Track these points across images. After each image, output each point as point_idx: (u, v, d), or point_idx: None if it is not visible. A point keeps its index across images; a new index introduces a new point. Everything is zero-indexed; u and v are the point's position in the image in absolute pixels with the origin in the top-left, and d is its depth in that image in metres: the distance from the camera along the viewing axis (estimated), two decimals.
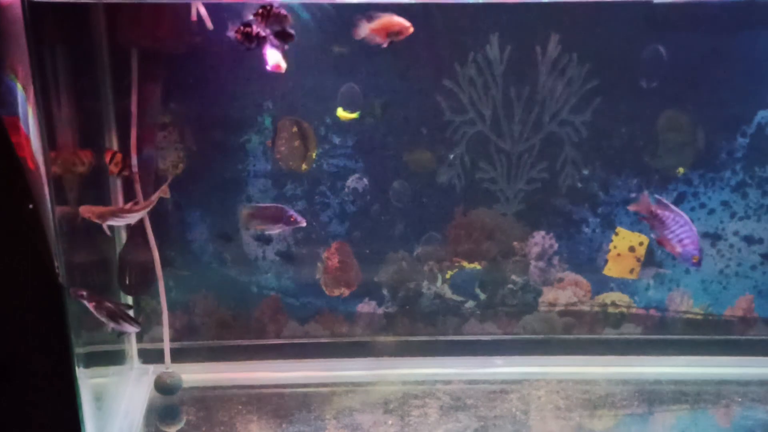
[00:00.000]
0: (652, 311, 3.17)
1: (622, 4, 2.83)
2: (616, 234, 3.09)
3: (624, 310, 3.18)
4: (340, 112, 2.81)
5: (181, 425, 2.81)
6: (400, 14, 2.79)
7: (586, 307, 3.18)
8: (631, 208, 2.77)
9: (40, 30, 2.02)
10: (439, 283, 3.16)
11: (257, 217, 2.70)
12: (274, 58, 2.41)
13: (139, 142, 2.75)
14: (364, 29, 2.37)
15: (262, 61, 2.84)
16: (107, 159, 2.63)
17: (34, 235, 1.85)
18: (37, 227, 1.84)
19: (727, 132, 2.98)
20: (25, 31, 1.88)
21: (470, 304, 3.18)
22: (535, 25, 2.84)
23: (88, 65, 2.65)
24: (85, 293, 2.32)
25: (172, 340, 2.98)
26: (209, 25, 2.61)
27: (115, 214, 2.60)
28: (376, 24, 2.37)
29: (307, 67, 2.81)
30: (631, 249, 3.10)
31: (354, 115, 2.80)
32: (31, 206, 1.82)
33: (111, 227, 2.77)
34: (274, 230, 2.68)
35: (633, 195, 3.04)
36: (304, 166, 3.01)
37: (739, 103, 2.95)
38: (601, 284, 3.16)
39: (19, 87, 1.84)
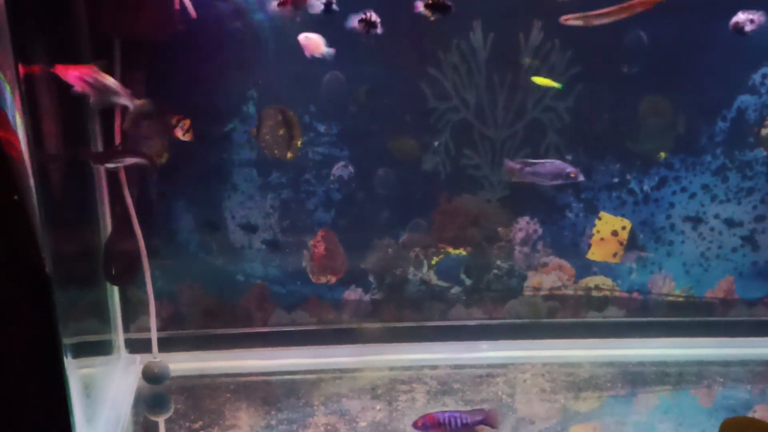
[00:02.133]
0: (635, 294, 3.21)
1: None
2: (599, 218, 3.12)
3: (607, 293, 3.21)
4: (541, 80, 2.78)
5: (169, 414, 2.81)
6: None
7: (570, 291, 3.21)
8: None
9: (23, 18, 2.00)
10: (424, 269, 3.18)
11: (530, 173, 2.55)
12: (314, 41, 2.59)
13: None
14: None
15: (245, 48, 2.85)
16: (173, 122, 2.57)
17: (20, 226, 1.84)
18: (22, 218, 1.83)
19: (707, 116, 3.01)
20: (7, 19, 1.87)
21: (456, 289, 3.20)
22: (518, 12, 2.85)
23: (71, 54, 2.63)
24: None
25: (159, 329, 2.98)
26: (192, 13, 2.60)
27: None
28: None
29: (291, 54, 2.81)
30: (614, 233, 3.13)
31: (556, 84, 2.79)
32: (16, 197, 1.81)
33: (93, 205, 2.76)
34: (548, 183, 2.57)
35: (615, 180, 3.07)
36: (289, 155, 3.01)
37: (720, 87, 2.98)
38: (585, 268, 3.19)
39: (1, 77, 1.82)
